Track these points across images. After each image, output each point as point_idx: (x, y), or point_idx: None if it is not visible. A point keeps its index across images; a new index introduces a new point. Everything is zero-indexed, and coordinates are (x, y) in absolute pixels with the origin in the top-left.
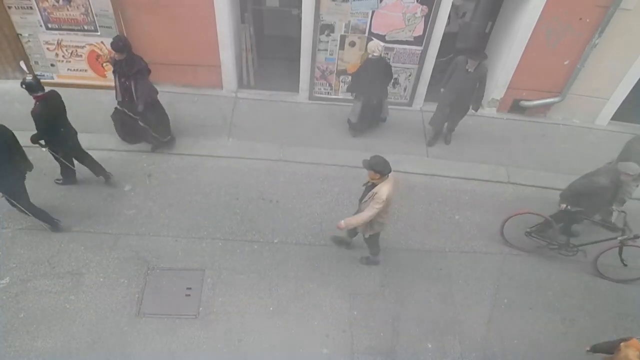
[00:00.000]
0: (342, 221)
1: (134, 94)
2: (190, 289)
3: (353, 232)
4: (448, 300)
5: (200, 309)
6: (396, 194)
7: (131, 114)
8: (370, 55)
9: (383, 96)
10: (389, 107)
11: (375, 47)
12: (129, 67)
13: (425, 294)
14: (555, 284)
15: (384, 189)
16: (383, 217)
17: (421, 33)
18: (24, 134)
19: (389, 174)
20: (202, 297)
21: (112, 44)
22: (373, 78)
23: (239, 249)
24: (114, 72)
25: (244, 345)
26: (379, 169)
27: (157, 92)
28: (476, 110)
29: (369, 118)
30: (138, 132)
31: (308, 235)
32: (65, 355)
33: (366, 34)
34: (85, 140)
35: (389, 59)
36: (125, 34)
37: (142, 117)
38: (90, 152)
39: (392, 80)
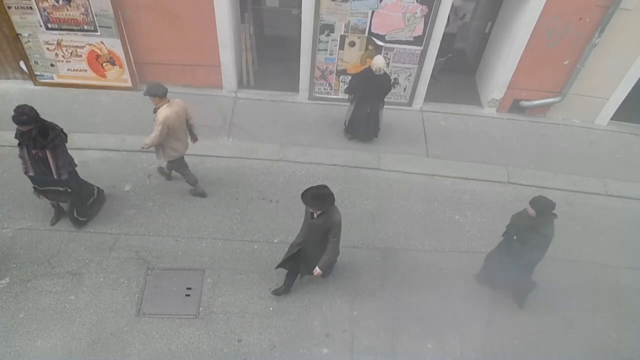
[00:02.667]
0: (142, 144)
1: (53, 165)
2: (190, 289)
3: (193, 177)
4: (448, 300)
5: (200, 309)
6: (180, 119)
7: (52, 187)
8: (373, 68)
9: (379, 107)
10: (389, 107)
11: (377, 64)
12: (43, 137)
13: (425, 294)
14: (556, 284)
15: (161, 112)
16: (173, 143)
17: (421, 33)
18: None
19: (173, 100)
20: (202, 297)
21: (14, 118)
22: (369, 88)
23: (239, 249)
24: (19, 144)
25: (244, 345)
26: (153, 92)
27: (75, 164)
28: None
29: (364, 126)
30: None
31: None
32: (65, 355)
33: (366, 34)
34: (84, 140)
35: (389, 59)
36: (125, 34)
37: (65, 184)
38: (89, 152)
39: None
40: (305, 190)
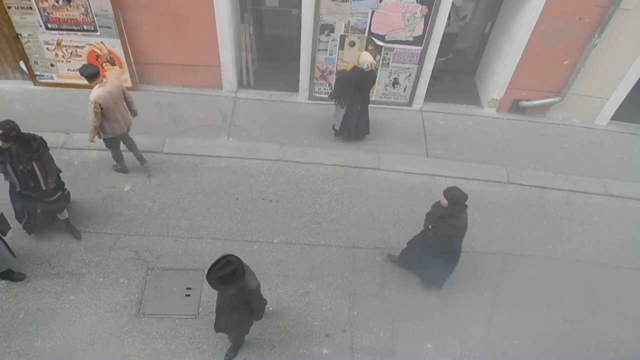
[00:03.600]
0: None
1: (40, 175)
2: (190, 289)
3: (120, 155)
4: (448, 300)
5: (200, 309)
6: (115, 99)
7: (44, 199)
8: (363, 66)
9: (367, 103)
10: (389, 107)
11: (367, 60)
12: (27, 150)
13: (425, 294)
14: (555, 284)
15: (92, 92)
16: (109, 122)
17: (421, 33)
18: None
19: (108, 81)
20: (202, 297)
21: (4, 136)
22: (359, 87)
23: (239, 249)
24: (1, 162)
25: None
26: (81, 72)
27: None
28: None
29: (356, 126)
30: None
31: (308, 235)
32: (65, 355)
33: (366, 34)
34: (84, 140)
35: (389, 59)
36: (125, 34)
37: (52, 194)
38: (89, 152)
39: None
40: (208, 270)
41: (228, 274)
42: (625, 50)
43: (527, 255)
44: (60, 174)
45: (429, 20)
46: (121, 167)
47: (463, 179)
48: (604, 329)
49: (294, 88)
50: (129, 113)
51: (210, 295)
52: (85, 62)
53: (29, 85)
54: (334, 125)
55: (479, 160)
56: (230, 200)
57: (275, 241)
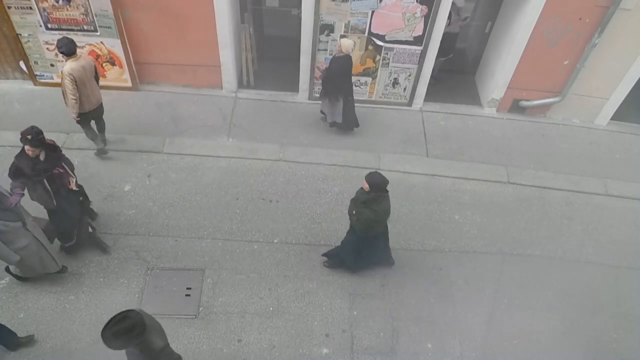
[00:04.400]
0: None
1: (70, 175)
2: (190, 289)
3: (92, 133)
4: (448, 300)
5: (200, 309)
6: (87, 73)
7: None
8: (349, 52)
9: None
10: (389, 107)
11: (351, 44)
12: (53, 151)
13: (425, 294)
14: (555, 284)
15: (67, 65)
16: (82, 94)
17: (421, 33)
18: None
19: (82, 56)
20: (202, 297)
21: (33, 140)
22: (349, 74)
23: (239, 249)
24: (36, 178)
25: (244, 345)
26: (60, 50)
27: None
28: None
29: (354, 114)
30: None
31: (308, 235)
32: (66, 355)
33: (366, 34)
34: (84, 140)
35: (389, 59)
36: (125, 34)
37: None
38: (89, 152)
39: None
40: (104, 327)
41: (123, 329)
42: (625, 50)
43: (527, 255)
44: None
45: (429, 20)
46: (100, 148)
47: (463, 179)
48: (604, 329)
49: (294, 88)
50: (99, 91)
51: (210, 296)
52: None
53: (29, 85)
54: (333, 123)
55: (479, 160)
56: (230, 200)
57: (275, 241)
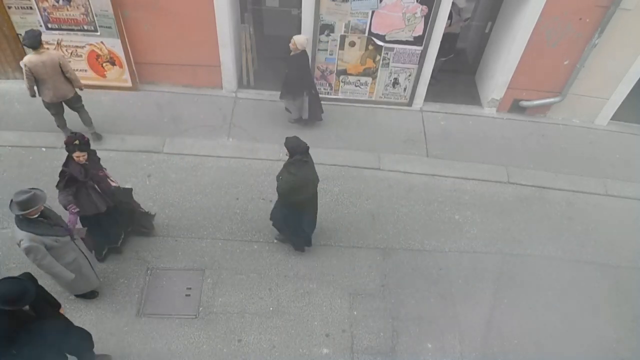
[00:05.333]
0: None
1: (106, 176)
2: (190, 289)
3: (62, 121)
4: (448, 300)
5: (200, 309)
6: (47, 69)
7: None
8: (305, 47)
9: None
10: (389, 107)
11: (304, 40)
12: (93, 154)
13: (425, 294)
14: (555, 284)
15: (26, 56)
16: (43, 89)
17: (421, 33)
18: (23, 134)
19: (47, 51)
20: (202, 297)
21: (80, 146)
22: (307, 68)
23: (239, 249)
24: (89, 183)
25: (244, 345)
26: (24, 43)
27: None
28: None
29: (319, 106)
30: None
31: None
32: None
33: (366, 34)
34: None
35: (389, 59)
36: (125, 34)
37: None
38: None
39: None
40: None
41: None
42: (625, 50)
43: (527, 255)
44: None
45: (429, 20)
46: (66, 134)
47: (463, 179)
48: (604, 329)
49: None
50: (69, 86)
51: (210, 296)
52: (84, 62)
53: None
54: (298, 119)
55: (479, 160)
56: (230, 200)
57: (275, 241)
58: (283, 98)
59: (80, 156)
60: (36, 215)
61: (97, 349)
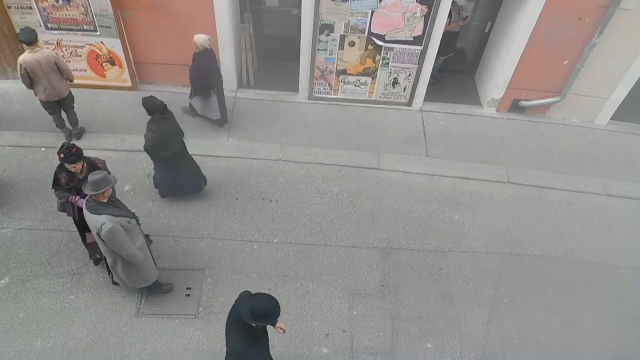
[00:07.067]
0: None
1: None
2: (190, 289)
3: (60, 121)
4: (448, 300)
5: (200, 309)
6: (42, 68)
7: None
8: (207, 46)
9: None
10: (389, 107)
11: (204, 40)
12: (94, 165)
13: (425, 294)
14: (555, 284)
15: (22, 55)
16: (38, 85)
17: (421, 33)
18: (23, 134)
19: (41, 49)
20: (202, 297)
21: (64, 159)
22: (216, 68)
23: (239, 249)
24: (74, 198)
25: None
26: (20, 39)
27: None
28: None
29: (225, 110)
30: None
31: (308, 235)
32: (65, 355)
33: (366, 34)
34: (84, 140)
35: (389, 59)
36: (125, 34)
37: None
38: (89, 152)
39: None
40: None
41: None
42: (625, 50)
43: (527, 255)
44: None
45: (429, 20)
46: (66, 136)
47: (463, 179)
48: (604, 329)
49: (294, 88)
50: (65, 85)
51: (210, 296)
52: (84, 62)
53: None
54: (207, 119)
55: (479, 160)
56: (230, 200)
57: (275, 241)
58: (192, 99)
59: (72, 167)
60: (106, 200)
61: (97, 349)
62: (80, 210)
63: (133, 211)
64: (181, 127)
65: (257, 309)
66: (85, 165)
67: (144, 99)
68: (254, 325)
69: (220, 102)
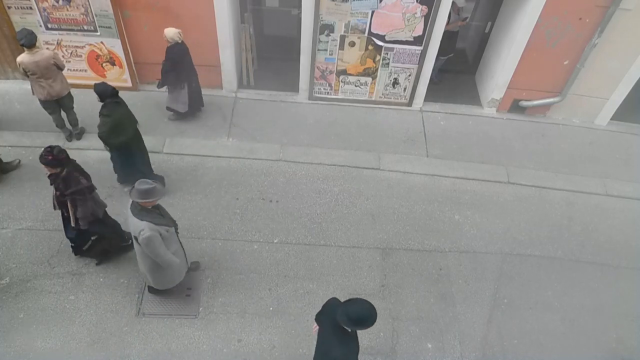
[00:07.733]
0: None
1: (71, 213)
2: (190, 289)
3: (60, 120)
4: (448, 300)
5: (200, 309)
6: (41, 68)
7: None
8: (177, 39)
9: (196, 74)
10: (389, 107)
11: (174, 33)
12: (65, 186)
13: (425, 294)
14: (555, 284)
15: (20, 56)
16: (37, 87)
17: (421, 33)
18: (23, 134)
19: (40, 50)
20: (202, 297)
21: (40, 157)
22: (187, 60)
23: (238, 249)
24: (51, 182)
25: (244, 345)
26: (21, 42)
27: (105, 206)
28: None
29: (199, 100)
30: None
31: (308, 235)
32: (65, 355)
33: (366, 34)
34: (84, 140)
35: (389, 59)
36: (125, 34)
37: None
38: (89, 152)
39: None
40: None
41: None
42: (625, 50)
43: (527, 255)
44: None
45: (429, 20)
46: (66, 136)
47: (463, 179)
48: (604, 329)
49: (294, 88)
50: (63, 84)
51: (210, 296)
52: (84, 62)
53: (28, 85)
54: (175, 112)
55: (479, 160)
56: (230, 200)
57: (275, 241)
58: (160, 87)
59: (45, 167)
60: (150, 207)
61: (97, 349)
62: (57, 198)
63: (174, 219)
64: (135, 116)
65: (355, 314)
66: (62, 173)
67: (96, 85)
68: (349, 330)
69: (191, 95)
